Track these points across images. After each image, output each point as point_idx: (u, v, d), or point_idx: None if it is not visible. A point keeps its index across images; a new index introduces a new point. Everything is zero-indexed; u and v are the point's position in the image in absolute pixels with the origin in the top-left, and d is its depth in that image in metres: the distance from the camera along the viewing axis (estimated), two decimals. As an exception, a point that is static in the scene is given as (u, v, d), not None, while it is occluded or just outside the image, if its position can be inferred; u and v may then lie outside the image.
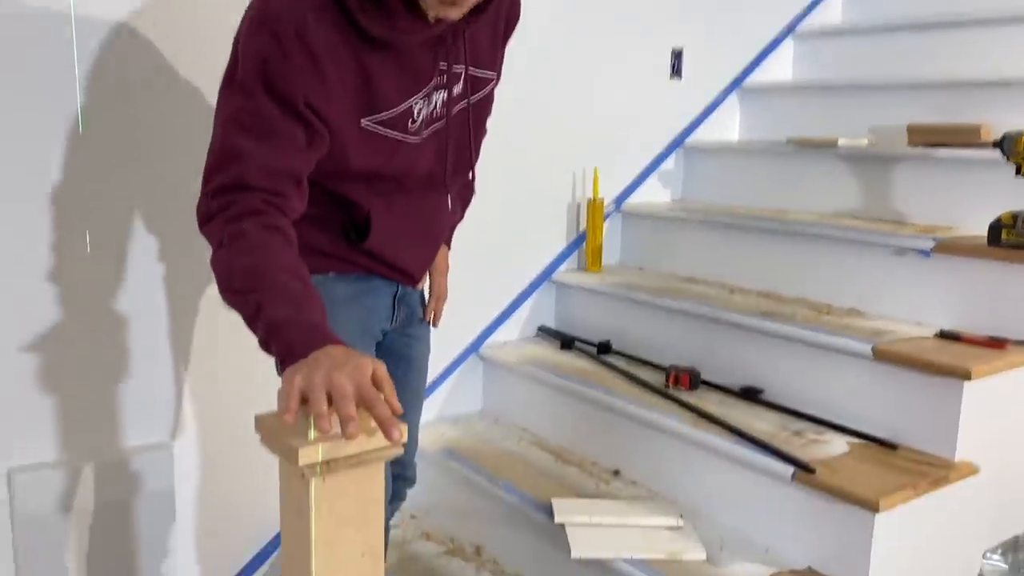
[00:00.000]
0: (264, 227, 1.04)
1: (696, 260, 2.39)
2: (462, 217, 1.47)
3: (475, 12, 1.13)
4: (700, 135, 2.69)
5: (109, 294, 1.70)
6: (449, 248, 1.58)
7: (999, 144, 1.75)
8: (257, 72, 1.04)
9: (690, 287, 2.28)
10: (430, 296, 1.53)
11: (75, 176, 1.63)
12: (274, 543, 1.97)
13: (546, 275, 2.47)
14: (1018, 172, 1.73)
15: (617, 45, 2.46)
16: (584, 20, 2.37)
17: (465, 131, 1.28)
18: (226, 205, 1.04)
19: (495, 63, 1.30)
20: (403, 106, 1.16)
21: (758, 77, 2.79)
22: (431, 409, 2.28)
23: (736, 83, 2.76)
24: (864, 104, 2.48)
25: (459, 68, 1.21)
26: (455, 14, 1.07)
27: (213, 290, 1.07)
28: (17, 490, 1.61)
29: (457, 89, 1.23)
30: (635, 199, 2.59)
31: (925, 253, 1.85)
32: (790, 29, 2.86)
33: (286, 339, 0.96)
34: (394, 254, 1.31)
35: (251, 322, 1.01)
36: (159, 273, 1.75)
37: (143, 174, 1.70)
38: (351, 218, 1.25)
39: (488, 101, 1.35)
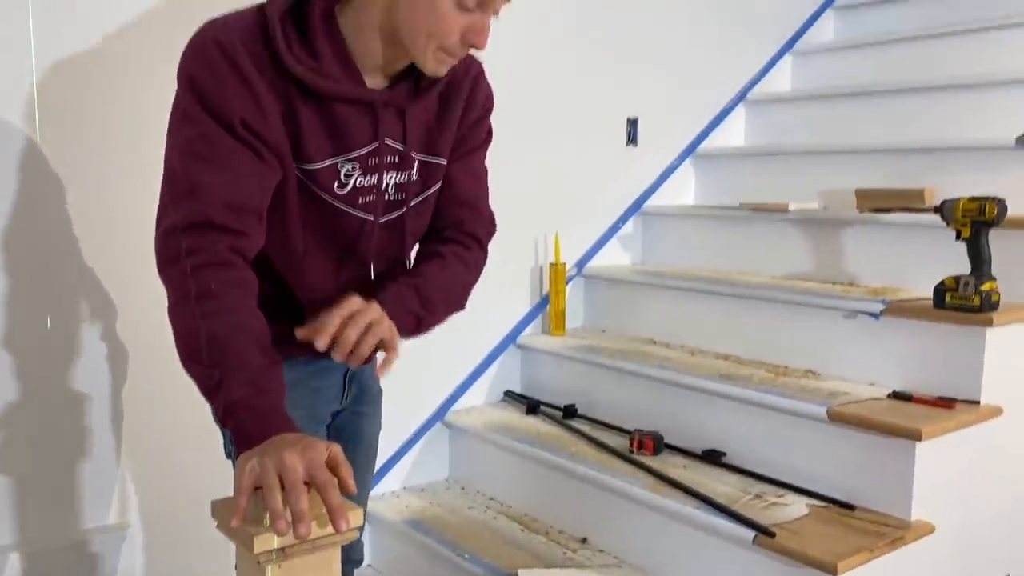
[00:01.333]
0: (232, 283, 1.04)
1: (657, 322, 2.44)
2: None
3: (419, 91, 1.15)
4: (657, 200, 2.76)
5: (64, 372, 1.69)
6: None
7: (939, 210, 1.83)
8: (196, 98, 1.04)
9: (652, 349, 2.32)
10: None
11: (35, 250, 1.64)
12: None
13: (511, 339, 2.49)
14: (958, 237, 1.80)
15: (575, 114, 2.54)
16: (542, 90, 2.44)
17: (416, 217, 1.24)
18: (192, 250, 1.02)
19: (444, 147, 1.23)
20: (326, 163, 1.12)
21: (711, 143, 2.88)
22: (396, 478, 2.27)
23: (690, 149, 2.85)
24: (814, 168, 2.57)
25: (405, 151, 1.17)
26: (443, 72, 1.11)
27: (172, 368, 1.07)
28: (-30, 577, 1.57)
29: (407, 176, 1.19)
30: (596, 262, 2.65)
31: (875, 316, 1.91)
32: (741, 96, 2.97)
33: (243, 422, 0.97)
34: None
35: (208, 395, 1.01)
36: (113, 352, 1.74)
37: (102, 253, 1.71)
38: (290, 302, 1.23)
39: (435, 188, 1.26)
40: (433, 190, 1.25)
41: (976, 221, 1.76)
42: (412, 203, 1.22)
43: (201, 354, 1.01)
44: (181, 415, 1.80)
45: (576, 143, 2.56)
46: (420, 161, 1.21)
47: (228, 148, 1.05)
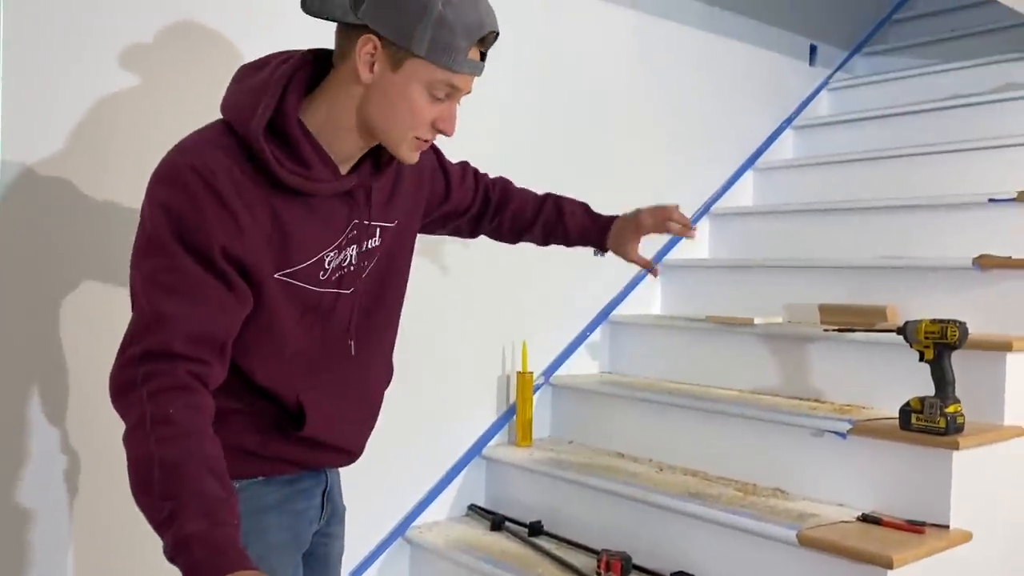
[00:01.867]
0: (189, 408, 1.02)
1: (625, 435, 2.41)
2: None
3: (380, 169, 1.21)
4: (625, 309, 2.77)
5: (9, 486, 1.61)
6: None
7: (902, 331, 1.85)
8: (170, 228, 1.04)
9: (620, 464, 2.28)
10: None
11: (-13, 364, 1.58)
12: None
13: (476, 450, 2.44)
14: (921, 358, 1.82)
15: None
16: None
17: (381, 285, 1.28)
18: (150, 375, 1.01)
19: (400, 211, 1.29)
20: (316, 257, 1.16)
21: (677, 254, 2.93)
22: (354, 600, 2.17)
23: (657, 259, 2.88)
24: (776, 281, 2.61)
25: (370, 223, 1.22)
26: (416, 159, 1.18)
27: (120, 487, 1.02)
28: None
29: (371, 243, 1.24)
30: (564, 371, 2.63)
31: (842, 435, 1.91)
32: (705, 210, 3.04)
33: (196, 557, 0.92)
34: (334, 435, 1.26)
35: (159, 528, 0.96)
36: (63, 466, 1.67)
37: (54, 383, 1.66)
38: (282, 409, 1.21)
39: (403, 251, 1.33)
40: (398, 256, 1.31)
41: (938, 343, 1.79)
42: (371, 268, 1.26)
43: (153, 484, 0.97)
44: (130, 533, 1.72)
45: (545, 250, 2.57)
46: (380, 227, 1.25)
47: (198, 280, 1.04)
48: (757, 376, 2.37)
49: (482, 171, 1.59)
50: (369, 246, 1.24)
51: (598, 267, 2.77)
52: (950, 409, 1.76)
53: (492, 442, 2.47)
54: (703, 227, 3.04)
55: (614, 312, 2.75)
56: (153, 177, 1.08)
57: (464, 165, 1.55)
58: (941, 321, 1.79)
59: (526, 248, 2.56)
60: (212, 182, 1.04)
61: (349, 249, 1.21)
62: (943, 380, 1.78)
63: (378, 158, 1.21)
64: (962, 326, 1.77)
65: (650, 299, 2.88)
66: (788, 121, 3.34)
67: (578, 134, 2.63)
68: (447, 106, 1.14)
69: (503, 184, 1.62)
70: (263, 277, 1.11)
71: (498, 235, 1.67)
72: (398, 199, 1.29)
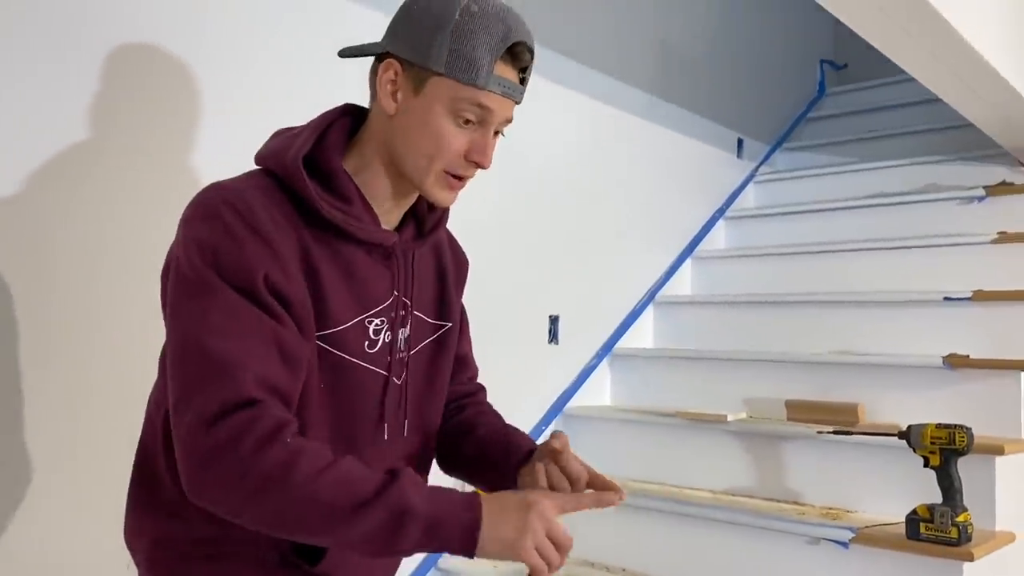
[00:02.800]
0: (299, 437, 0.89)
1: (593, 541, 2.22)
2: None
3: (423, 235, 1.10)
4: (577, 400, 2.63)
5: None
6: None
7: (905, 436, 1.80)
8: (212, 266, 0.92)
9: (589, 573, 2.09)
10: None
11: None
12: None
13: (431, 561, 2.19)
14: (926, 464, 1.77)
15: (498, 312, 2.40)
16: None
17: (422, 383, 1.12)
18: (240, 430, 0.85)
19: (448, 309, 1.17)
20: (354, 321, 1.01)
21: (625, 343, 2.83)
22: None
23: (607, 348, 2.77)
24: (730, 374, 2.54)
25: (411, 307, 1.09)
26: (451, 199, 1.04)
27: None
28: None
29: (405, 332, 1.09)
30: (516, 469, 2.43)
31: (843, 544, 1.81)
32: (650, 297, 2.98)
33: (454, 520, 0.89)
34: (352, 570, 1.06)
35: (392, 532, 0.86)
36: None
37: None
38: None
39: (447, 351, 1.16)
40: (446, 354, 1.17)
41: (945, 449, 1.74)
42: (417, 358, 1.12)
43: (347, 498, 0.86)
44: None
45: (501, 342, 2.41)
46: (429, 323, 1.14)
47: (254, 315, 0.91)
48: (731, 476, 2.26)
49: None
50: (409, 334, 1.09)
51: (550, 358, 2.64)
52: (961, 518, 1.70)
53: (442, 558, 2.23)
54: (647, 316, 2.96)
55: (569, 404, 2.60)
56: (185, 215, 0.98)
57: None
58: (947, 426, 1.75)
59: (482, 334, 2.39)
60: (248, 216, 0.94)
61: (397, 328, 1.07)
62: (951, 487, 1.73)
63: (422, 225, 1.11)
64: (969, 431, 1.73)
65: (600, 390, 2.75)
66: (721, 211, 3.36)
67: (525, 219, 2.50)
68: (480, 134, 1.00)
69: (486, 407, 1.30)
70: (306, 327, 0.96)
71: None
72: (450, 292, 1.18)
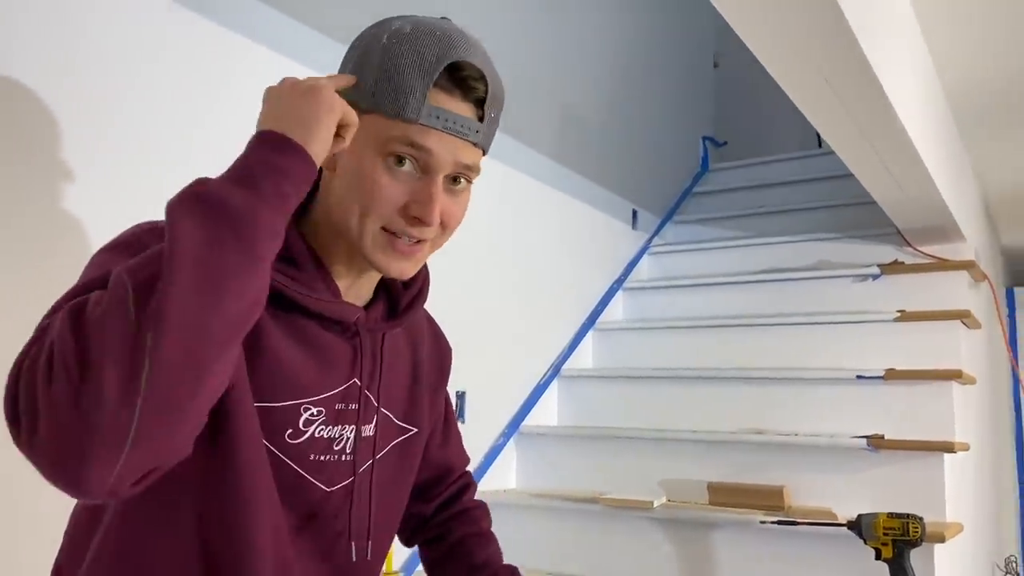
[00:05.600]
0: None
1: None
2: None
3: (393, 313, 0.95)
4: (486, 485, 2.41)
5: None
6: None
7: (855, 526, 1.71)
8: (108, 250, 0.77)
9: None
10: None
11: None
12: None
13: None
14: (878, 556, 1.68)
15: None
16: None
17: (383, 495, 0.94)
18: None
19: (417, 412, 0.99)
20: (293, 402, 0.83)
21: (532, 420, 2.65)
22: None
23: (513, 427, 2.59)
24: (638, 452, 2.42)
25: (371, 398, 0.91)
26: (400, 268, 0.85)
27: None
28: None
29: (368, 431, 0.91)
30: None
31: (795, 646, 1.68)
32: (555, 371, 2.83)
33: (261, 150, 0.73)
34: None
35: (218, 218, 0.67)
36: None
37: None
38: None
39: (411, 458, 1.00)
40: (410, 461, 1.00)
41: (898, 540, 1.66)
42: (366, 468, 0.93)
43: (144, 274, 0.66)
44: None
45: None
46: (396, 424, 0.96)
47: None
48: (657, 568, 2.10)
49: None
50: (368, 434, 0.91)
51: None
52: (917, 615, 1.61)
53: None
54: (552, 390, 2.80)
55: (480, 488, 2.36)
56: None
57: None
58: (900, 516, 1.67)
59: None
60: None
61: (347, 428, 0.89)
62: (905, 581, 1.65)
63: (396, 304, 0.96)
64: (921, 521, 1.66)
65: (506, 472, 2.54)
66: (619, 282, 3.29)
67: (433, 288, 2.31)
68: (424, 183, 0.82)
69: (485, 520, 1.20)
70: (237, 392, 0.77)
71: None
72: (419, 395, 1.00)
